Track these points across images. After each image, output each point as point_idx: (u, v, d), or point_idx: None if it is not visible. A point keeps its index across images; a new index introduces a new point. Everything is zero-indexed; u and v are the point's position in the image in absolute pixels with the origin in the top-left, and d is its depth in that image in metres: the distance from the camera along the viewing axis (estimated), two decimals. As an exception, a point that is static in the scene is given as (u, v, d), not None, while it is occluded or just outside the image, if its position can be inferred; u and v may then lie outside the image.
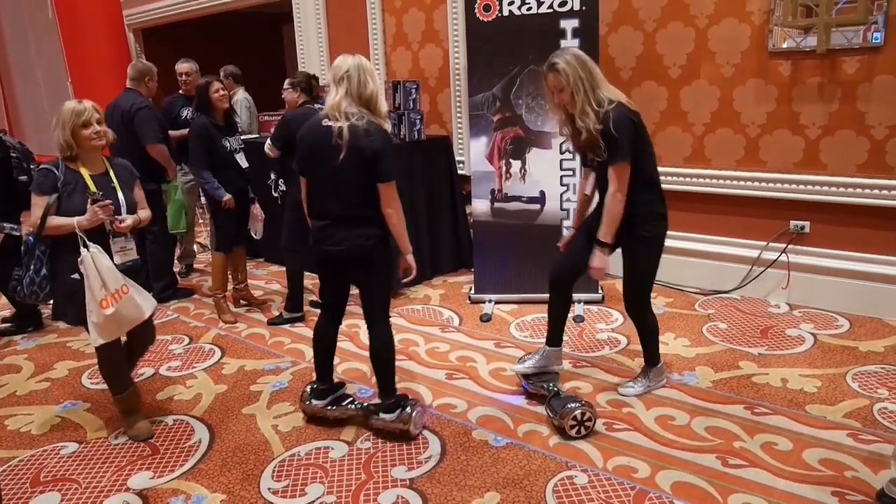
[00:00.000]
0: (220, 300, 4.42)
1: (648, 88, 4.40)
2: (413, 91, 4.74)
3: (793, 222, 4.09)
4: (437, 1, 5.25)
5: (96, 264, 2.67)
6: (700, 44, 4.14)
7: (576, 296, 3.43)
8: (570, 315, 3.43)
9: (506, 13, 4.05)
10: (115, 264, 2.78)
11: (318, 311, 4.34)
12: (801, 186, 3.99)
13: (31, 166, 4.30)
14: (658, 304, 4.28)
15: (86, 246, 2.67)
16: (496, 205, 4.34)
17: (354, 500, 2.45)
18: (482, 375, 3.43)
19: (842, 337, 3.69)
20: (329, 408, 2.99)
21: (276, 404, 3.23)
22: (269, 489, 2.55)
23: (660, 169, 4.37)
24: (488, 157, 4.28)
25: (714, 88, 4.15)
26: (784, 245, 4.11)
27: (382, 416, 2.84)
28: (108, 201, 2.72)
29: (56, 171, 2.75)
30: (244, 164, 4.31)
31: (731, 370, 3.34)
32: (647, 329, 3.10)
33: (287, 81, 4.23)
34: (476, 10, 4.08)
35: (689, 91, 4.26)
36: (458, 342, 3.87)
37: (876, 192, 3.76)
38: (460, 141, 5.28)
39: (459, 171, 5.20)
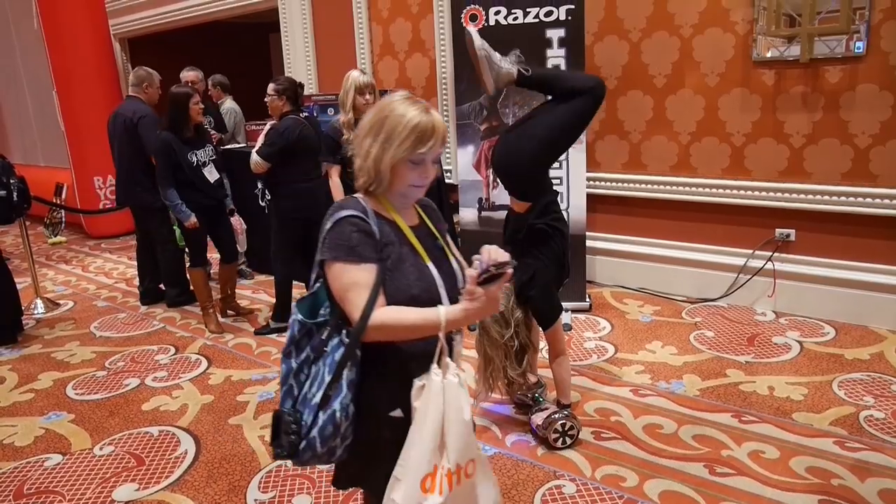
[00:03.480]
0: (207, 311, 4.39)
1: (634, 97, 4.43)
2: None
3: (778, 230, 4.12)
4: (424, 10, 5.27)
5: (446, 407, 1.46)
6: (685, 53, 4.18)
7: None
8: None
9: (492, 23, 4.07)
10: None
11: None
12: (787, 195, 4.02)
13: (11, 181, 4.27)
14: (645, 312, 4.29)
15: (437, 363, 1.46)
16: (483, 213, 4.35)
17: (342, 511, 2.43)
18: (469, 384, 3.42)
19: (828, 345, 3.71)
20: None
21: (263, 414, 3.21)
22: (255, 500, 2.53)
23: (646, 177, 4.46)
24: (475, 166, 4.29)
25: (699, 97, 4.19)
26: (770, 253, 4.14)
27: None
28: (504, 273, 1.37)
29: (369, 222, 1.50)
30: (212, 177, 4.24)
31: (719, 378, 3.35)
32: None
33: (271, 87, 4.08)
34: (463, 20, 4.10)
35: (675, 100, 4.29)
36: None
37: (860, 200, 3.80)
38: (447, 150, 5.29)
39: (447, 181, 5.20)
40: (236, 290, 4.74)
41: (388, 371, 1.51)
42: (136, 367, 3.88)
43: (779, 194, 4.05)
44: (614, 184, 4.62)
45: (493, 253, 1.39)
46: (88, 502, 2.57)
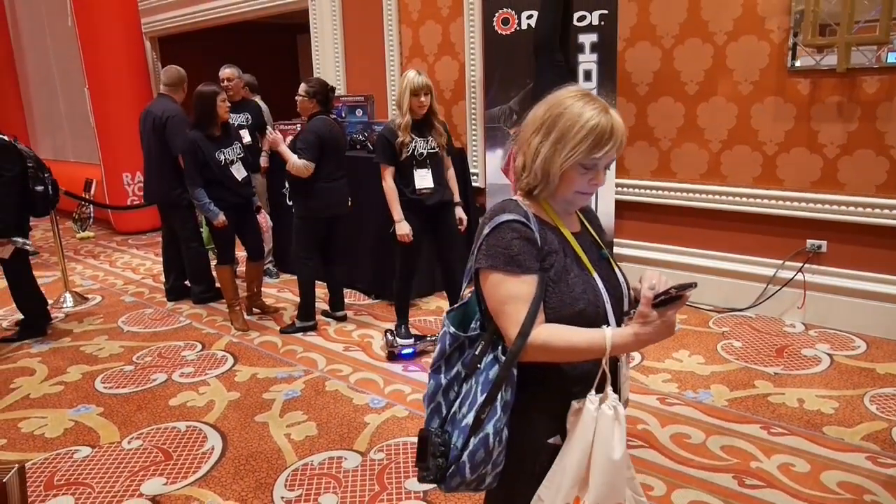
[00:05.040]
0: (234, 309, 4.43)
1: (665, 104, 4.39)
2: (430, 102, 4.76)
3: (809, 241, 4.07)
4: (454, 13, 5.28)
5: (595, 439, 1.34)
6: (718, 60, 4.14)
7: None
8: None
9: (524, 27, 4.07)
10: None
11: (330, 320, 4.38)
12: (819, 205, 3.96)
13: (46, 175, 4.34)
14: (672, 320, 4.25)
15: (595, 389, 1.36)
16: (511, 217, 4.34)
17: (368, 511, 2.44)
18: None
19: (859, 358, 3.65)
20: None
21: (289, 413, 3.22)
22: (282, 498, 2.54)
23: (675, 185, 4.42)
24: (504, 170, 4.28)
25: (732, 105, 4.15)
26: (800, 264, 4.08)
27: None
28: (685, 296, 1.32)
29: (531, 228, 1.37)
30: (239, 174, 4.28)
31: (747, 389, 3.31)
32: None
33: (302, 88, 4.14)
34: (494, 24, 4.10)
35: (707, 107, 4.25)
36: (470, 354, 3.85)
37: (894, 212, 3.73)
38: (475, 153, 5.28)
39: (473, 184, 5.20)
40: (262, 289, 4.77)
41: (548, 394, 1.39)
42: (163, 362, 3.92)
43: (811, 205, 3.99)
44: (643, 190, 4.59)
45: (658, 278, 1.28)
46: (117, 495, 2.60)
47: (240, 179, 4.25)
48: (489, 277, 1.35)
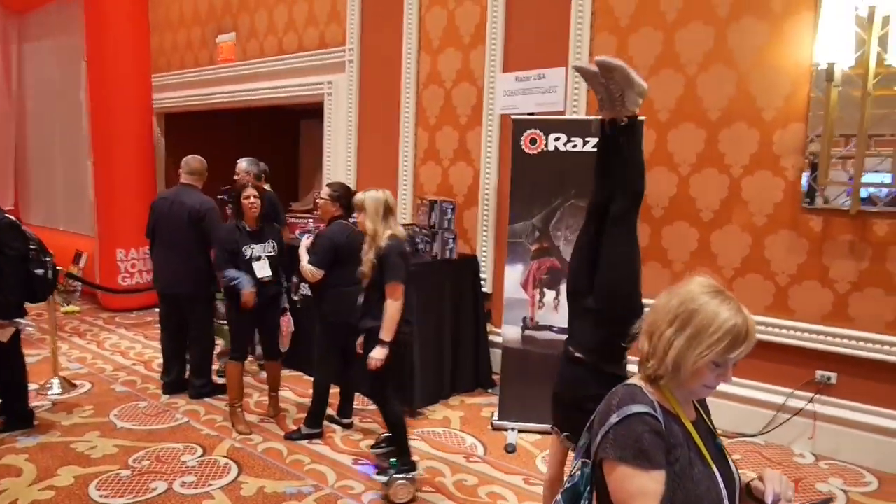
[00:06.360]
0: (235, 410, 4.28)
1: (680, 228, 4.51)
2: (449, 211, 4.82)
3: (819, 372, 4.12)
4: (472, 123, 5.43)
5: None
6: (733, 191, 4.29)
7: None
8: None
9: (551, 148, 4.19)
10: None
11: (337, 427, 4.25)
12: (829, 338, 4.04)
13: (47, 259, 4.24)
14: (683, 444, 4.21)
15: None
16: (527, 332, 4.33)
17: None
18: None
19: (872, 495, 3.64)
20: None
21: (303, 538, 3.07)
22: None
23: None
24: (523, 285, 4.31)
25: (746, 235, 4.27)
26: (810, 395, 4.12)
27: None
28: None
29: (661, 421, 1.41)
30: (261, 273, 4.22)
31: (772, 530, 3.25)
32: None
33: (325, 192, 4.14)
34: (522, 143, 4.21)
35: (720, 234, 4.37)
36: (485, 475, 3.75)
37: (905, 351, 3.82)
38: (483, 259, 5.33)
39: (483, 289, 5.22)
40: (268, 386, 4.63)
41: None
42: (161, 467, 3.73)
43: (821, 336, 4.07)
44: (654, 310, 4.63)
45: (782, 483, 1.31)
46: None
47: (259, 277, 4.20)
48: (616, 469, 1.35)
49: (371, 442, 3.96)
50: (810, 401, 4.12)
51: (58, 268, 4.63)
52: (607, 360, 2.43)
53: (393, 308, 3.40)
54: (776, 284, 4.21)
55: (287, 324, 4.36)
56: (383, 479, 3.46)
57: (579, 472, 1.47)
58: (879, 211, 3.83)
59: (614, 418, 1.37)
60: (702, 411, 1.55)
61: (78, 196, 7.98)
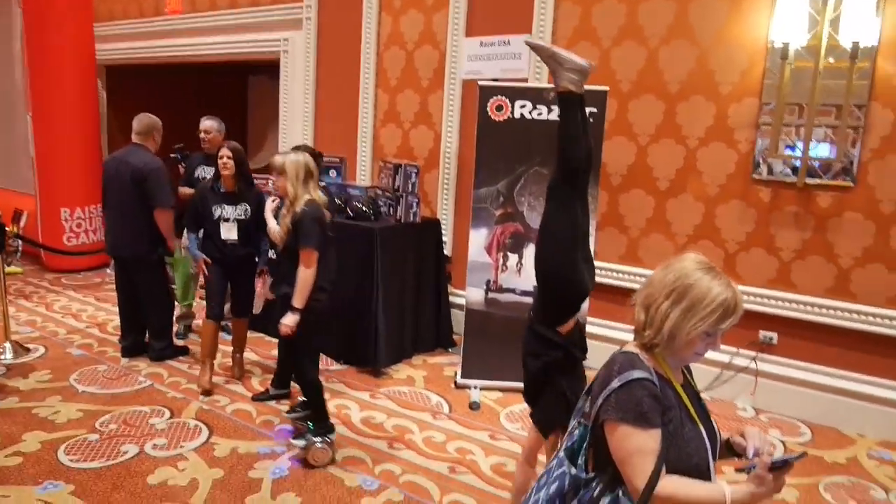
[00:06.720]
0: (205, 364, 4.26)
1: (636, 196, 4.69)
2: (413, 175, 4.86)
3: (762, 332, 4.41)
4: (434, 86, 5.43)
5: None
6: (689, 161, 4.47)
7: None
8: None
9: (517, 115, 4.26)
10: None
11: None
12: (773, 301, 4.32)
13: None
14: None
15: None
16: (490, 295, 4.46)
17: None
18: (485, 471, 3.47)
19: (807, 445, 3.96)
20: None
21: (281, 494, 3.15)
22: None
23: (641, 270, 4.69)
24: (487, 249, 4.41)
25: (699, 204, 4.48)
26: (754, 354, 4.42)
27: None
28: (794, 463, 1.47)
29: (657, 385, 1.54)
30: (226, 235, 4.20)
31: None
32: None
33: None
34: (489, 110, 4.27)
35: (675, 203, 4.57)
36: (452, 431, 3.90)
37: (839, 314, 4.13)
38: (444, 222, 5.40)
39: (444, 251, 5.31)
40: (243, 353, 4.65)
41: None
42: (130, 430, 3.72)
43: (766, 300, 4.34)
44: (612, 273, 4.82)
45: (762, 440, 1.45)
46: None
47: (224, 238, 4.16)
48: (618, 429, 1.48)
49: (341, 402, 4.04)
50: (753, 359, 4.42)
51: (3, 226, 4.51)
52: (545, 325, 2.53)
53: (305, 274, 3.31)
54: (725, 251, 4.45)
55: (262, 286, 4.34)
56: (301, 442, 3.47)
57: (577, 431, 1.58)
58: (823, 184, 4.08)
59: (616, 383, 1.51)
60: (688, 375, 1.68)
61: (16, 152, 7.60)
